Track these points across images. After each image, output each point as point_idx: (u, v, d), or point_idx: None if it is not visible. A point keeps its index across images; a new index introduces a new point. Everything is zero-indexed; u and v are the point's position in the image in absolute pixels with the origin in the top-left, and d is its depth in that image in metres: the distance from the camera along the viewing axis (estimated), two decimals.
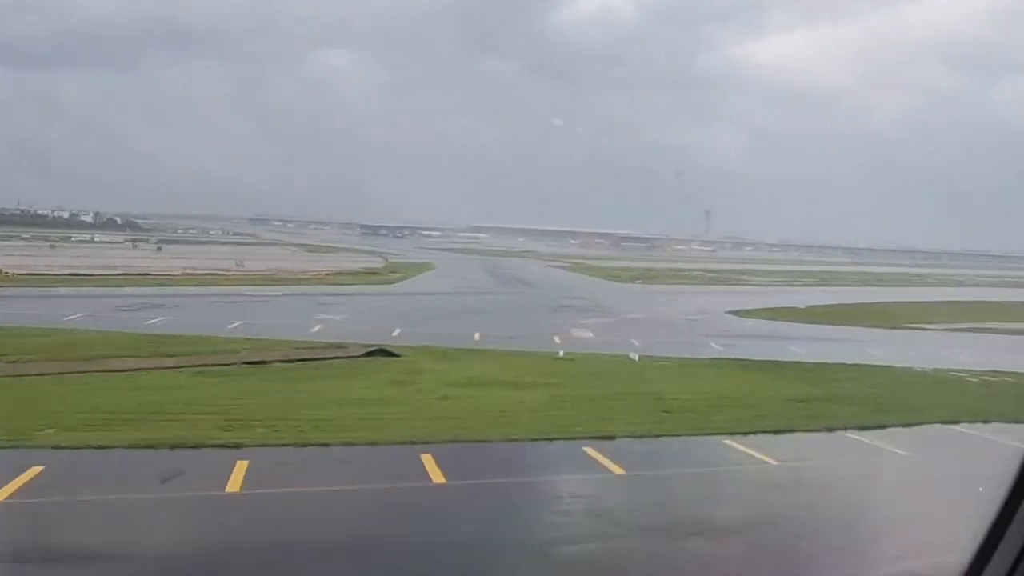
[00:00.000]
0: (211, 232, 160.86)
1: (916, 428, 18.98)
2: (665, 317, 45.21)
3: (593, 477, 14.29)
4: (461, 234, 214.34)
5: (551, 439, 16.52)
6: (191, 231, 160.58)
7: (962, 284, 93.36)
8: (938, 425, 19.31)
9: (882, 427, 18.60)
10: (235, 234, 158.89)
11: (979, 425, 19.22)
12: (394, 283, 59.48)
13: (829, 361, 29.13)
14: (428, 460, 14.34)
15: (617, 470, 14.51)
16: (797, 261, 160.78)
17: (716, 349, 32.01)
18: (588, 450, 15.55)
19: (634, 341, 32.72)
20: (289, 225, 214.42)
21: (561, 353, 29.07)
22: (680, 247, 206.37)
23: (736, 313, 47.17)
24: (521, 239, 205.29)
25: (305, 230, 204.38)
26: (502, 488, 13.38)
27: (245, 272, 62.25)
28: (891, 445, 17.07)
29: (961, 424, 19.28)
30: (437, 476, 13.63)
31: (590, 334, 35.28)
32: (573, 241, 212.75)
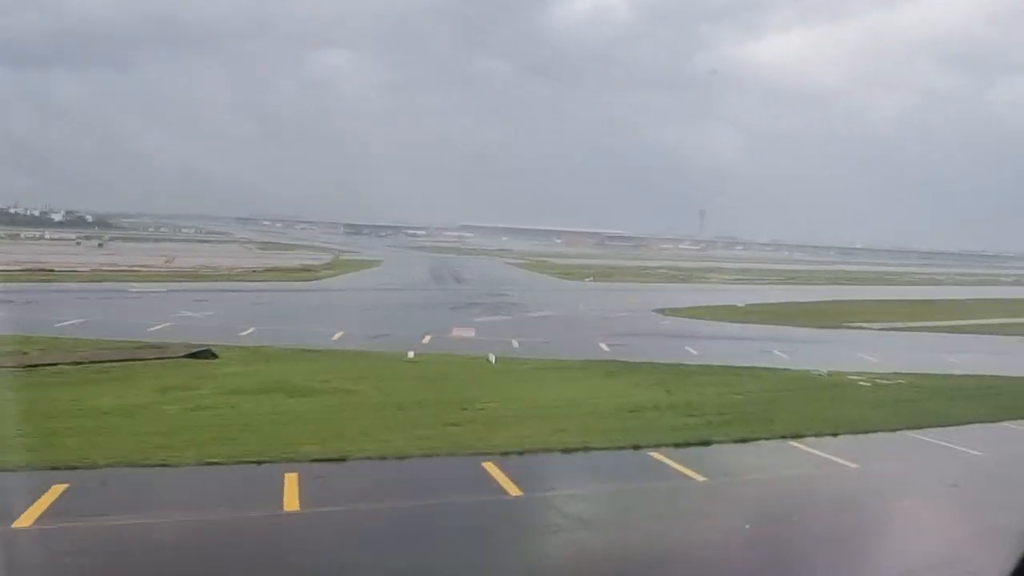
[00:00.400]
0: (183, 230, 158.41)
1: (746, 445, 15.63)
2: (580, 316, 42.05)
3: (258, 516, 10.98)
4: (448, 233, 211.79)
5: (260, 462, 13.20)
6: (163, 229, 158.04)
7: (938, 283, 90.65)
8: (776, 440, 15.99)
9: (705, 444, 15.35)
10: (207, 232, 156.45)
11: (825, 439, 15.99)
12: (317, 280, 56.31)
13: (717, 363, 25.90)
14: (54, 491, 11.17)
15: (292, 506, 11.27)
16: (783, 260, 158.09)
17: (603, 350, 28.79)
18: (289, 476, 12.30)
19: (514, 342, 29.61)
20: (277, 224, 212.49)
21: (411, 355, 25.87)
22: (667, 246, 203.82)
23: (662, 311, 43.96)
24: (505, 238, 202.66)
25: (291, 229, 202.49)
26: (100, 530, 10.11)
27: (167, 269, 59.56)
28: (692, 468, 13.71)
29: (804, 438, 15.98)
30: (29, 519, 10.36)
31: (471, 333, 32.07)
32: (558, 240, 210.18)
